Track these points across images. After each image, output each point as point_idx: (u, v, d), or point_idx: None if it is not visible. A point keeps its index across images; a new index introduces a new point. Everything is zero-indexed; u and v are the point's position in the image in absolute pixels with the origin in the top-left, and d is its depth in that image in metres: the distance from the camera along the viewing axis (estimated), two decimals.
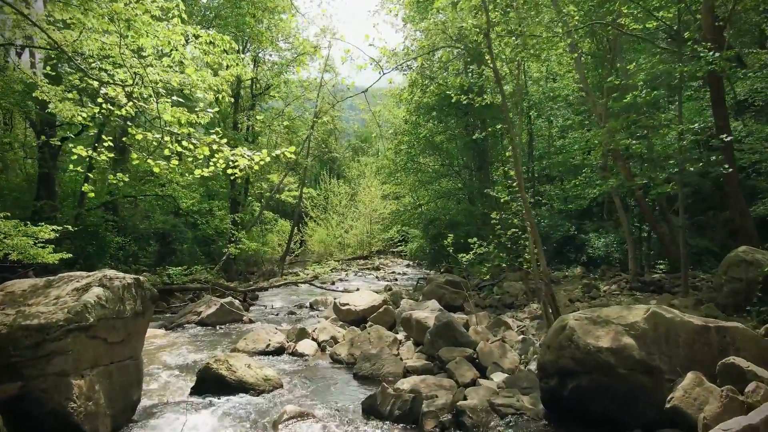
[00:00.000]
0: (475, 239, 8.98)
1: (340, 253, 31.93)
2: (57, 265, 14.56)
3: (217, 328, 11.33)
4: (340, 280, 22.80)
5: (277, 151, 5.67)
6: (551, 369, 5.29)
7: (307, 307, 15.64)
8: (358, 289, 19.27)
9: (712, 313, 8.45)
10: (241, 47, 25.24)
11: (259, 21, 20.89)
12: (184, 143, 5.58)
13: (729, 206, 11.27)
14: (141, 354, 6.58)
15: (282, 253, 24.95)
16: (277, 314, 14.42)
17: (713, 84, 10.12)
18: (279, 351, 9.01)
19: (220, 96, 6.43)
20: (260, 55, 26.77)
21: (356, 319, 10.69)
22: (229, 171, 6.13)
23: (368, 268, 27.71)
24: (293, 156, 5.78)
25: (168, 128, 5.33)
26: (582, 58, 13.90)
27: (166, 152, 5.69)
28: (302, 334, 9.59)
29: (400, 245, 29.88)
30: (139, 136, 5.56)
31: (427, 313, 9.05)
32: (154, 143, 5.68)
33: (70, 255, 10.29)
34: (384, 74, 6.96)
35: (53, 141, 11.48)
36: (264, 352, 8.90)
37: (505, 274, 14.35)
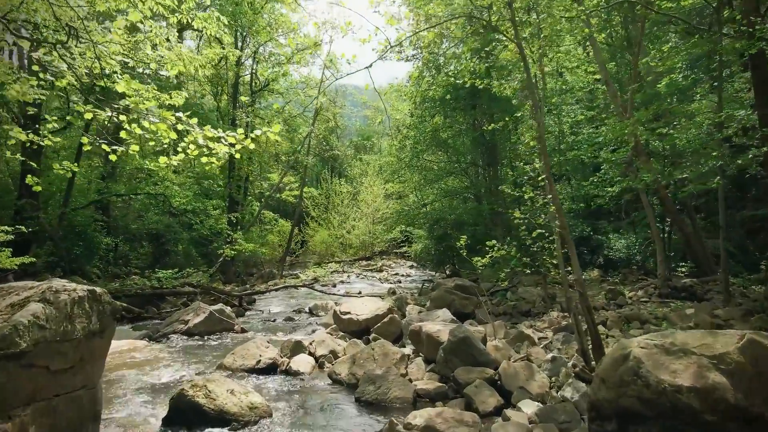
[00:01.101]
0: (494, 242, 7.79)
1: (342, 253, 30.75)
2: (38, 268, 13.51)
3: (206, 338, 10.13)
4: (342, 282, 21.63)
5: (258, 132, 4.49)
6: (608, 409, 4.08)
7: (306, 312, 14.51)
8: (360, 292, 18.13)
9: (765, 326, 7.27)
10: (240, 42, 24.13)
11: (256, 11, 19.65)
12: (145, 124, 4.39)
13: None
14: (100, 381, 5.37)
15: (282, 254, 23.70)
16: (274, 320, 13.27)
17: (757, 67, 8.89)
18: (271, 368, 7.82)
19: (194, 70, 5.22)
20: (260, 50, 25.58)
21: (358, 330, 9.49)
22: (204, 160, 4.94)
23: (371, 270, 26.55)
24: (278, 137, 4.61)
25: (122, 104, 4.14)
26: (599, 48, 12.73)
27: (123, 135, 4.51)
28: (298, 347, 8.38)
29: (404, 246, 28.64)
30: (89, 115, 4.38)
31: (439, 325, 7.85)
32: (106, 123, 4.51)
33: (33, 259, 9.09)
34: (391, 47, 5.77)
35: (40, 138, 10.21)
36: (253, 370, 7.71)
37: (519, 278, 13.12)
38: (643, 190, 10.77)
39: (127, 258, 17.05)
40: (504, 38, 7.53)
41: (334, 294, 16.35)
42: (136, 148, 4.62)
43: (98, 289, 5.21)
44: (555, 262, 7.28)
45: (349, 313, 9.69)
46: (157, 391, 6.83)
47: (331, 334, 9.65)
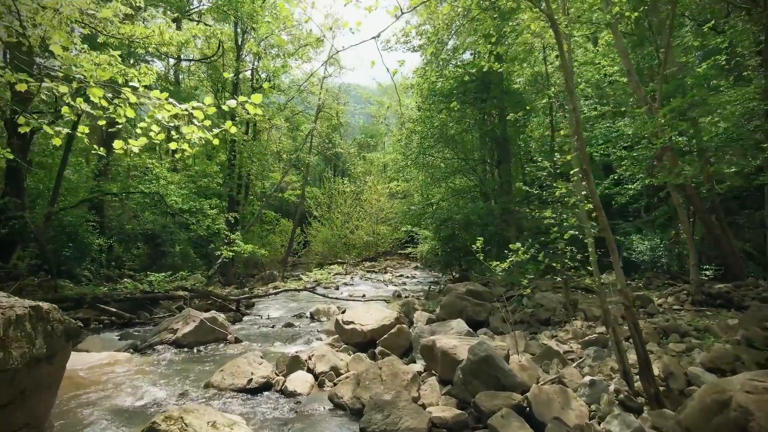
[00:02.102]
0: (518, 245, 6.76)
1: (345, 254, 29.70)
2: (21, 271, 12.52)
3: (195, 350, 9.11)
4: (345, 284, 20.60)
5: (232, 102, 3.48)
6: None
7: (307, 317, 13.55)
8: (364, 295, 17.09)
9: None
10: (240, 37, 23.10)
11: (255, 0, 18.61)
12: (93, 98, 3.36)
13: None
14: (49, 416, 4.37)
15: (283, 255, 22.67)
16: (272, 326, 12.29)
17: None
18: (264, 388, 6.81)
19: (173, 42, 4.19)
20: (261, 45, 24.52)
21: (363, 342, 8.44)
22: (173, 146, 3.92)
23: (375, 271, 25.54)
24: (259, 111, 3.60)
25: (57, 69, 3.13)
26: (620, 36, 11.72)
27: (64, 111, 3.50)
28: (295, 363, 7.36)
29: (408, 246, 27.56)
30: (22, 87, 3.37)
31: (455, 339, 6.82)
32: (43, 96, 3.52)
33: None
34: (403, 13, 4.75)
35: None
36: (244, 390, 6.69)
37: (535, 282, 12.05)
38: (674, 188, 9.70)
39: (120, 260, 16.03)
40: (532, 10, 6.48)
41: (336, 298, 15.32)
42: (85, 129, 3.62)
43: (45, 305, 4.20)
44: (590, 268, 6.23)
45: (352, 322, 8.64)
46: (131, 416, 5.81)
47: (333, 346, 8.65)
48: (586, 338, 7.77)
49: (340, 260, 28.49)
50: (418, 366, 7.25)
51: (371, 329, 8.34)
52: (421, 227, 19.80)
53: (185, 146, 4.04)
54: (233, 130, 3.96)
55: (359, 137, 38.81)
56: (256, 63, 25.38)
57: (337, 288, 19.21)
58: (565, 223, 6.54)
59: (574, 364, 6.55)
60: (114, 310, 12.42)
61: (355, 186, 32.40)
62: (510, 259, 7.37)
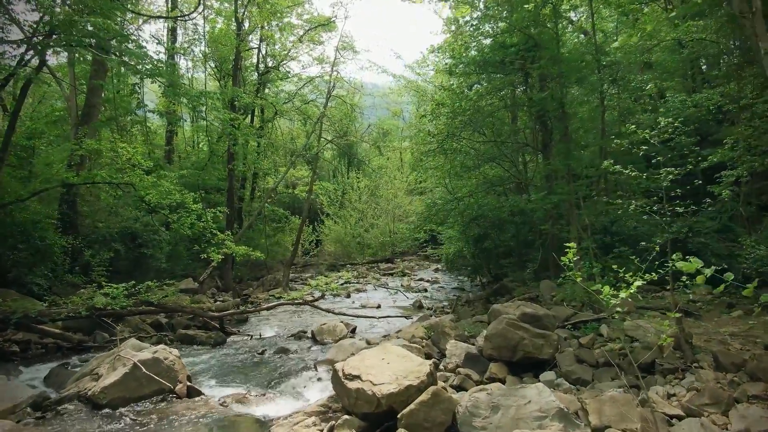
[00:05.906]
0: (697, 262, 3.35)
1: (359, 254, 26.24)
2: None
3: (118, 413, 5.65)
4: (358, 291, 17.15)
5: None
6: None
7: (308, 337, 10.36)
8: (378, 306, 13.71)
9: None
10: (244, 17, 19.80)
11: None
12: None
13: None
14: None
15: (288, 258, 19.29)
16: (261, 352, 9.15)
17: None
18: None
19: None
20: (266, 27, 21.15)
21: (374, 414, 4.88)
22: None
23: (391, 274, 22.04)
24: None
25: None
26: None
27: None
28: None
29: (428, 247, 23.82)
30: None
31: None
32: None
33: None
34: None
35: None
36: None
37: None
38: None
39: (88, 265, 12.74)
40: None
41: (343, 314, 11.92)
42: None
43: None
44: None
45: (358, 377, 5.09)
46: None
47: (327, 413, 5.21)
48: (753, 416, 4.23)
49: (353, 262, 25.08)
50: None
51: (388, 393, 4.79)
52: (444, 226, 16.24)
53: None
54: None
55: (375, 128, 35.07)
56: (261, 44, 22.05)
57: (348, 296, 15.83)
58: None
59: None
60: (58, 331, 9.22)
61: (370, 181, 28.90)
62: (636, 284, 3.90)
